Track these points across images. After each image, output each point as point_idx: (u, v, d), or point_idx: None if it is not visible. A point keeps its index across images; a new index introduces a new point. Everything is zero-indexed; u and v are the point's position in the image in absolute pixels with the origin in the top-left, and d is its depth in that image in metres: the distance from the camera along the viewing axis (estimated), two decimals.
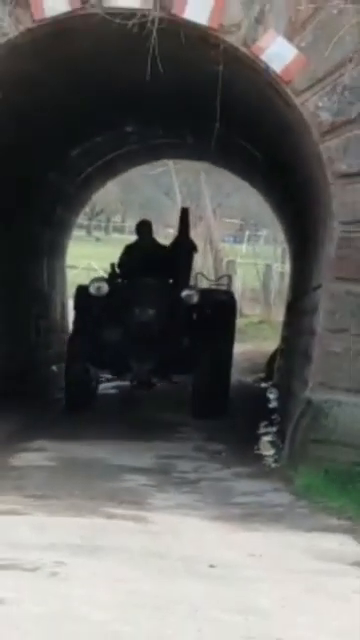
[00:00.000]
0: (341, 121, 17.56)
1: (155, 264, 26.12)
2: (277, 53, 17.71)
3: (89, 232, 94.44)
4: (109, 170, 32.40)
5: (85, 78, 20.21)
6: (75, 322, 26.85)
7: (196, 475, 18.01)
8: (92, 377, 25.44)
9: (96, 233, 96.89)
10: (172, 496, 16.16)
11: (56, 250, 31.12)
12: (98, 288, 25.16)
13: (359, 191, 17.56)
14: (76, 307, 26.88)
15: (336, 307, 17.68)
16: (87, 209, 39.83)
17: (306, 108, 17.61)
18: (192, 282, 29.48)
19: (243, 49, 17.74)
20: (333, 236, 17.68)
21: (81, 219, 39.60)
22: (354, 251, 17.38)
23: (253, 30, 17.77)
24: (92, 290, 25.21)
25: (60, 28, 17.99)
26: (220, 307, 26.92)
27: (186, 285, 26.94)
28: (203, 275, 35.26)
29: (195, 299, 25.42)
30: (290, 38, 17.61)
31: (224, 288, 31.69)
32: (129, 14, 17.64)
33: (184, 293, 25.38)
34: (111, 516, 14.61)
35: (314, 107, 17.61)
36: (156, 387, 26.40)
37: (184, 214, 28.55)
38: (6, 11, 17.87)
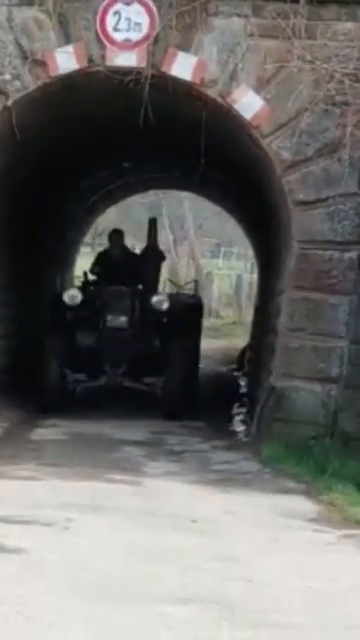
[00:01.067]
0: (299, 159, 17.58)
1: (125, 271, 23.37)
2: (247, 103, 17.72)
3: (93, 249, 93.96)
4: (110, 198, 32.33)
5: (91, 123, 20.22)
6: (50, 329, 23.17)
7: (181, 447, 17.96)
8: (69, 380, 22.41)
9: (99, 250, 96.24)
10: (161, 464, 16.17)
11: (67, 263, 31.00)
12: (72, 297, 22.55)
13: (314, 216, 17.56)
14: (51, 315, 23.36)
15: (295, 310, 17.73)
16: (92, 230, 39.49)
17: (271, 148, 17.62)
18: (160, 288, 27.34)
19: (220, 100, 17.74)
20: (293, 253, 17.73)
21: (87, 238, 39.32)
22: (309, 265, 17.43)
23: (228, 85, 17.76)
24: (66, 299, 22.46)
25: (70, 82, 18.00)
26: (187, 310, 24.44)
27: (155, 291, 24.36)
28: (172, 281, 34.58)
29: (165, 305, 22.68)
30: (258, 91, 17.63)
31: (192, 292, 28.27)
32: (127, 71, 17.63)
33: (155, 299, 22.73)
34: (112, 481, 14.59)
35: (277, 147, 17.63)
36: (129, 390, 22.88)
37: (152, 224, 25.71)
38: (26, 69, 17.83)
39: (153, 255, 25.02)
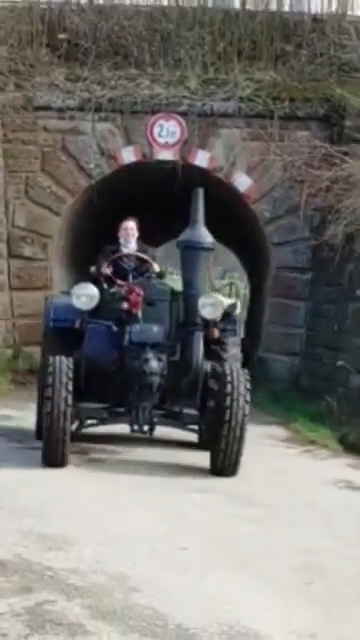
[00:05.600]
0: (274, 216, 17.72)
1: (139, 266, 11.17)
2: (242, 182, 17.82)
3: None
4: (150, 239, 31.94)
5: (142, 193, 20.21)
6: (49, 343, 10.77)
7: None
8: (80, 415, 10.12)
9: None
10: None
11: None
12: (86, 298, 10.33)
13: (284, 252, 17.68)
14: (54, 322, 10.75)
15: (272, 310, 17.84)
16: None
17: (256, 210, 17.70)
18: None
19: (224, 180, 17.80)
20: (271, 275, 17.81)
21: None
22: (281, 282, 17.62)
23: (229, 170, 17.84)
24: (76, 302, 10.35)
25: (131, 168, 18.03)
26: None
27: (200, 291, 10.43)
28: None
29: (217, 312, 10.25)
30: (248, 174, 17.72)
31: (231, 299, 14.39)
32: (167, 162, 17.70)
33: (203, 303, 10.16)
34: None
35: (260, 209, 17.74)
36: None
37: (197, 196, 10.13)
38: (103, 160, 17.89)
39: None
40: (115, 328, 10.21)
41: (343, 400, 13.64)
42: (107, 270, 10.93)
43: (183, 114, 17.74)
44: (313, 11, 18.60)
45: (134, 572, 6.46)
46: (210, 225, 10.28)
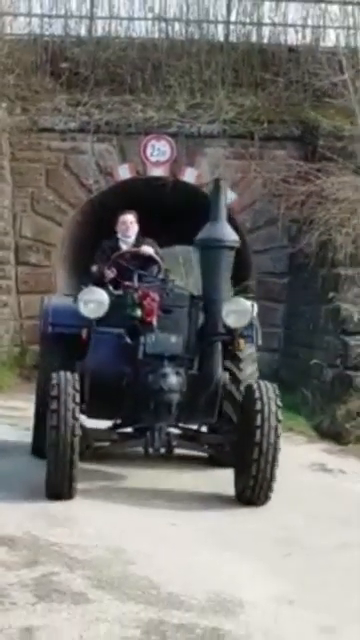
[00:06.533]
0: (255, 227, 17.44)
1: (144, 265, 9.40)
2: (228, 196, 17.71)
3: None
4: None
5: (136, 206, 20.15)
6: (47, 350, 8.95)
7: None
8: (87, 437, 7.85)
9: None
10: None
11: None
12: (95, 305, 8.16)
13: (263, 259, 17.53)
14: (53, 327, 8.79)
15: (258, 308, 17.74)
16: None
17: (240, 221, 17.61)
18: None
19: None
20: (253, 278, 17.78)
21: None
22: (262, 286, 17.33)
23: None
24: (83, 309, 8.16)
25: (126, 183, 17.99)
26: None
27: (223, 296, 8.26)
28: None
29: (244, 320, 8.27)
30: (232, 189, 17.43)
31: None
32: (158, 178, 17.71)
33: (228, 310, 8.09)
34: None
35: (243, 220, 17.48)
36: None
37: (218, 186, 8.90)
38: (102, 177, 17.85)
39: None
40: (128, 339, 8.17)
41: (317, 392, 13.63)
42: (111, 273, 9.15)
43: (173, 135, 17.60)
44: (289, 43, 18.59)
45: (131, 547, 6.48)
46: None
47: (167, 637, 4.95)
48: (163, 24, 18.75)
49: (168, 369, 7.94)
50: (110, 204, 18.20)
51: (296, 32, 18.66)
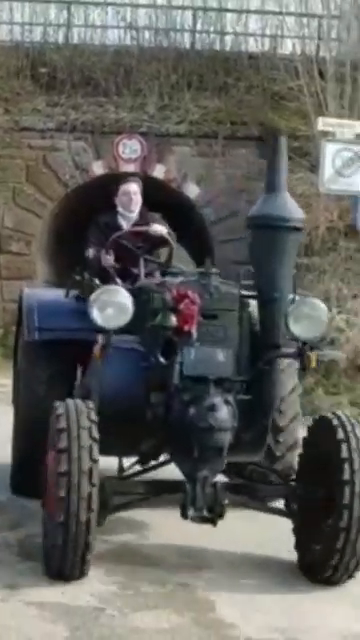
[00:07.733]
0: (218, 219, 17.42)
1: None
2: (191, 191, 17.55)
3: None
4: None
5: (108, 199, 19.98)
6: (30, 363, 6.00)
7: None
8: (105, 489, 4.73)
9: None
10: None
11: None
12: (119, 311, 4.95)
13: (226, 248, 17.40)
14: (40, 332, 5.76)
15: None
16: None
17: (204, 213, 17.62)
18: None
19: (177, 189, 17.67)
20: (217, 267, 17.70)
21: None
22: (225, 273, 17.41)
23: (181, 181, 17.65)
24: (101, 319, 4.92)
25: (100, 179, 17.84)
26: None
27: (283, 294, 5.29)
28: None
29: (320, 329, 5.21)
30: (197, 184, 17.55)
31: None
32: (130, 174, 17.53)
33: (293, 311, 5.08)
34: None
35: (207, 213, 17.48)
36: None
37: (278, 143, 5.30)
38: (77, 173, 17.73)
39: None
40: (160, 356, 5.28)
41: None
42: (110, 259, 6.36)
43: (143, 134, 17.55)
44: (250, 50, 18.46)
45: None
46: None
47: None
48: (134, 32, 18.90)
49: (217, 399, 5.10)
50: (85, 198, 18.19)
51: (256, 41, 18.77)
